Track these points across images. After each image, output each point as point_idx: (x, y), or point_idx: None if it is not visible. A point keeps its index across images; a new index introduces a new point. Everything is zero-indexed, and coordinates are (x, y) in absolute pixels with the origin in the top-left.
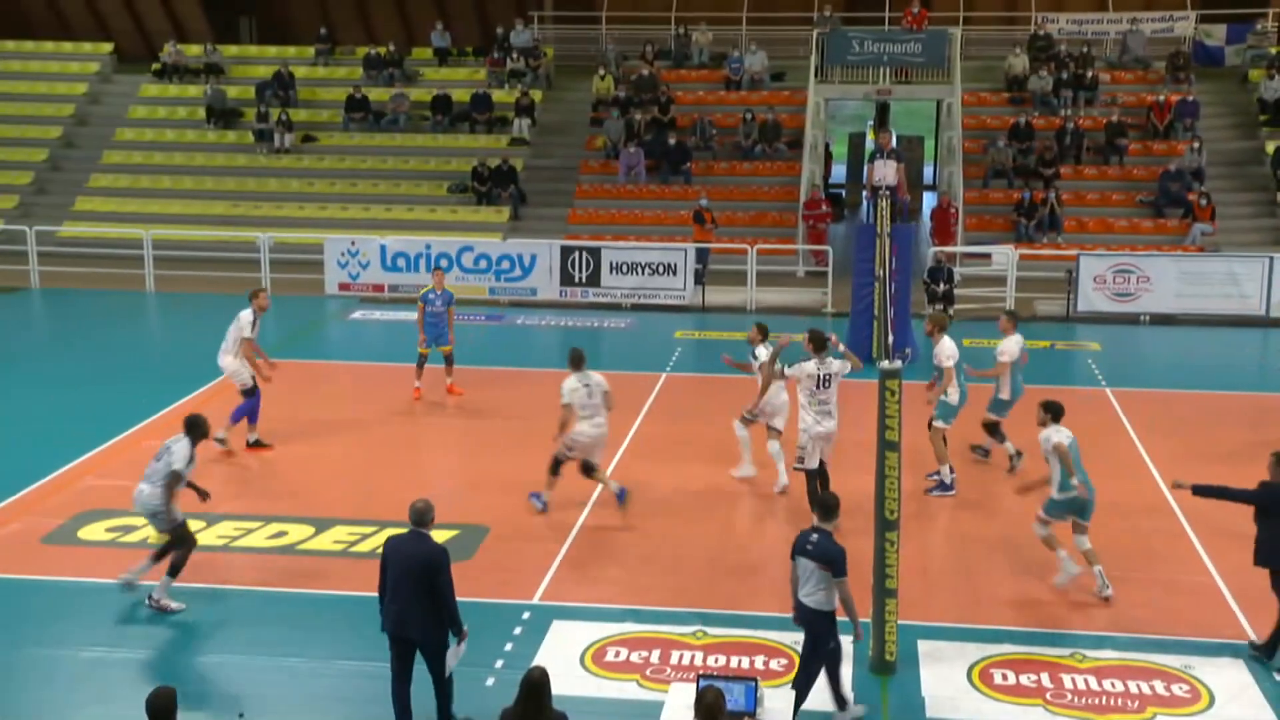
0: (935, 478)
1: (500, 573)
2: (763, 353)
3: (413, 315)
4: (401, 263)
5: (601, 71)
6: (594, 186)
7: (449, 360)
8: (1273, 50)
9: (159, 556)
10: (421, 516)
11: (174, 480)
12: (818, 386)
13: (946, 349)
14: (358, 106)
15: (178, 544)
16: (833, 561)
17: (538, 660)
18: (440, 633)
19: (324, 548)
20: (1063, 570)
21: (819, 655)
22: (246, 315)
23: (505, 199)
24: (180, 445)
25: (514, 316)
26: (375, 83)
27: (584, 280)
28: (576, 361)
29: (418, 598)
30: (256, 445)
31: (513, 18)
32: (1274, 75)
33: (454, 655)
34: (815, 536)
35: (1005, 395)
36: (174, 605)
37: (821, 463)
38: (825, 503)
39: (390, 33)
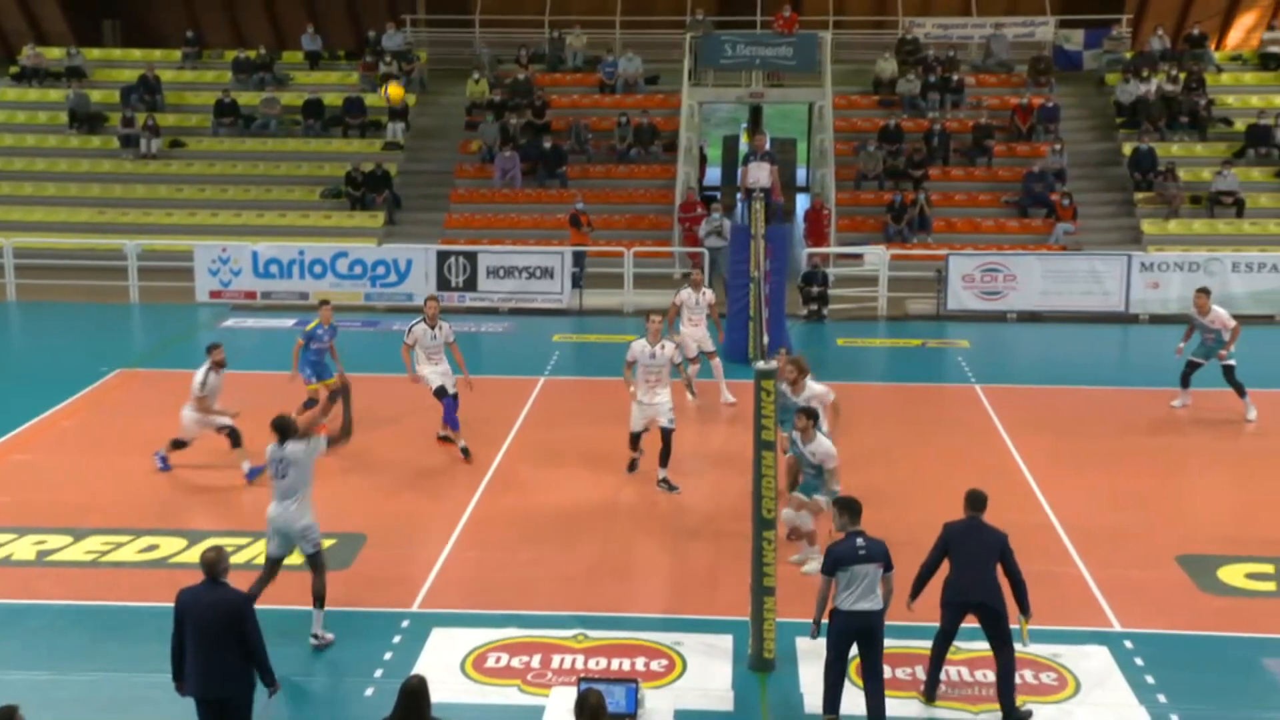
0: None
1: (378, 581)
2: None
3: (287, 322)
4: (274, 269)
5: (476, 75)
6: (470, 191)
7: (334, 397)
8: (1128, 54)
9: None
10: (213, 567)
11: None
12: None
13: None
14: (227, 111)
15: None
16: (886, 556)
17: (417, 668)
18: (248, 688)
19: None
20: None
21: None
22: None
23: (380, 204)
24: (296, 447)
25: (390, 322)
26: (245, 87)
27: (461, 285)
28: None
29: (219, 652)
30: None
31: (385, 21)
32: (1129, 79)
33: (265, 709)
34: (861, 541)
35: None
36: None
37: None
38: (851, 507)
39: (260, 36)
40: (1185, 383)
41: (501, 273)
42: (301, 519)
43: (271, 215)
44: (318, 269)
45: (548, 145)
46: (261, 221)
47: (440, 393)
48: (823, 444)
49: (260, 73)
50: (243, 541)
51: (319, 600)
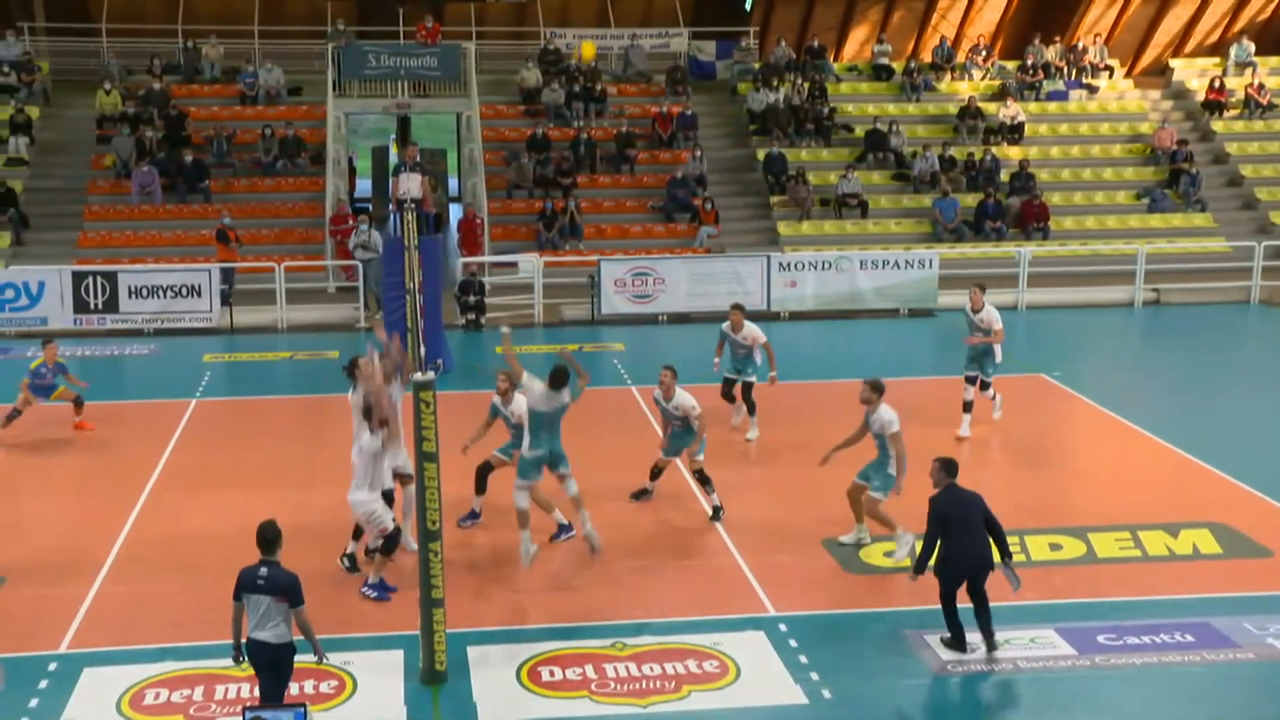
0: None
1: (19, 624)
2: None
3: None
4: None
5: (106, 86)
6: (105, 208)
7: (78, 402)
8: (756, 65)
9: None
10: None
11: None
12: None
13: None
14: None
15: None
16: (290, 590)
17: (69, 712)
18: None
19: None
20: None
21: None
22: None
23: (4, 223)
24: None
25: (23, 349)
26: None
27: (100, 306)
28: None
29: None
30: None
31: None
32: (759, 88)
33: None
34: (265, 570)
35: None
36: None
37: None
38: (263, 534)
39: None
40: (731, 398)
41: (145, 292)
42: None
43: None
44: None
45: (188, 159)
46: None
47: None
48: (684, 398)
49: None
50: None
51: None
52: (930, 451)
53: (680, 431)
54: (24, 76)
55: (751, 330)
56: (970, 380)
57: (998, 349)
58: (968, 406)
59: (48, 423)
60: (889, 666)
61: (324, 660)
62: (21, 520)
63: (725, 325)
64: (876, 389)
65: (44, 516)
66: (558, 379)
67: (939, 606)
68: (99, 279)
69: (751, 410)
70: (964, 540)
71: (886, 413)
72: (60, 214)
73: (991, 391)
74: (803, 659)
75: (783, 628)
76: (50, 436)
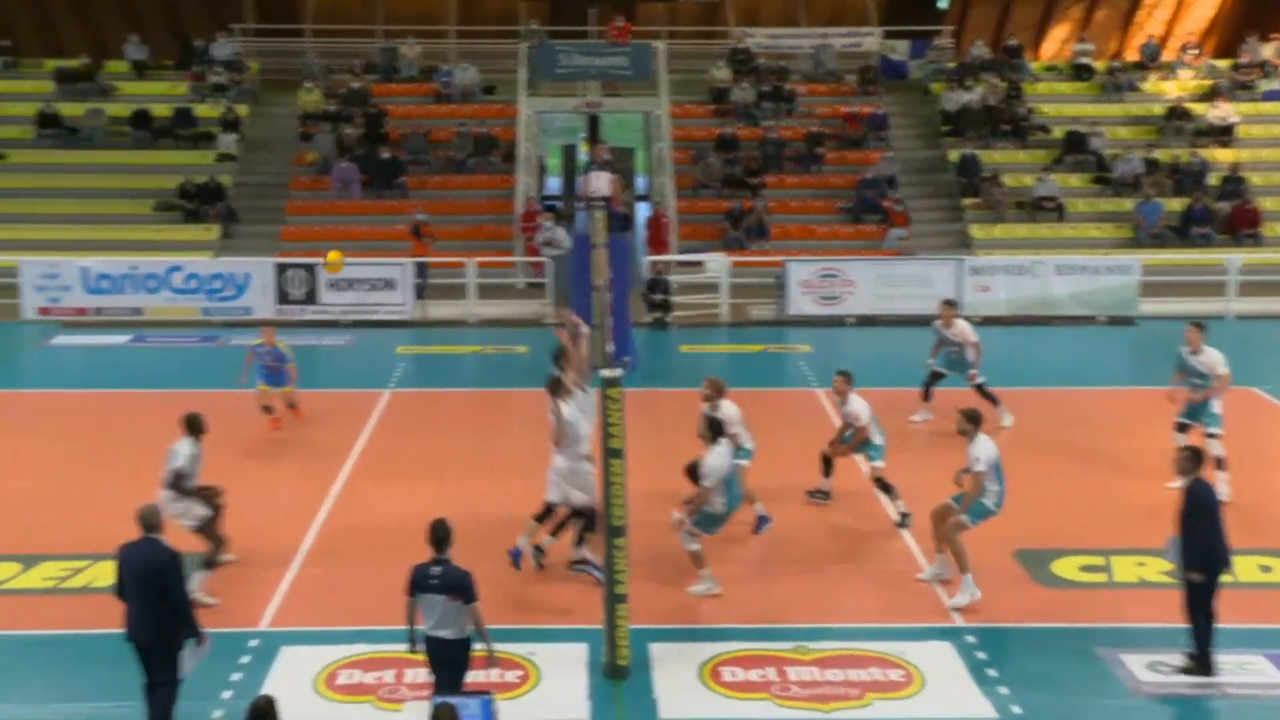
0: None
1: (224, 601)
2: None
3: (121, 339)
4: (106, 284)
5: (309, 85)
6: (306, 202)
7: (292, 403)
8: (950, 64)
9: (209, 564)
10: (149, 520)
11: (176, 479)
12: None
13: (858, 406)
14: (50, 122)
15: (212, 538)
16: (462, 589)
17: (267, 688)
18: (170, 638)
19: (33, 585)
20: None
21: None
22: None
23: (213, 216)
24: (182, 445)
25: (228, 337)
26: (68, 97)
27: (301, 298)
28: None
29: (149, 603)
30: None
31: (211, 30)
32: (953, 88)
33: (192, 656)
34: (437, 568)
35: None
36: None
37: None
38: (436, 532)
39: (80, 44)
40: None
41: (342, 285)
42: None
43: (101, 229)
44: (151, 284)
45: (385, 155)
46: (91, 236)
47: None
48: (856, 404)
49: (83, 82)
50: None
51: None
52: (1124, 466)
53: (849, 435)
54: (234, 76)
55: (962, 328)
56: (1181, 429)
57: (1217, 400)
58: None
59: (253, 409)
60: (1082, 684)
61: (494, 655)
62: (238, 500)
63: (937, 322)
64: (972, 419)
65: (246, 499)
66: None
67: (1134, 624)
68: (301, 271)
69: (995, 400)
70: (1219, 533)
71: (979, 448)
72: (265, 208)
73: (1218, 447)
74: (991, 672)
75: (970, 638)
76: (251, 422)
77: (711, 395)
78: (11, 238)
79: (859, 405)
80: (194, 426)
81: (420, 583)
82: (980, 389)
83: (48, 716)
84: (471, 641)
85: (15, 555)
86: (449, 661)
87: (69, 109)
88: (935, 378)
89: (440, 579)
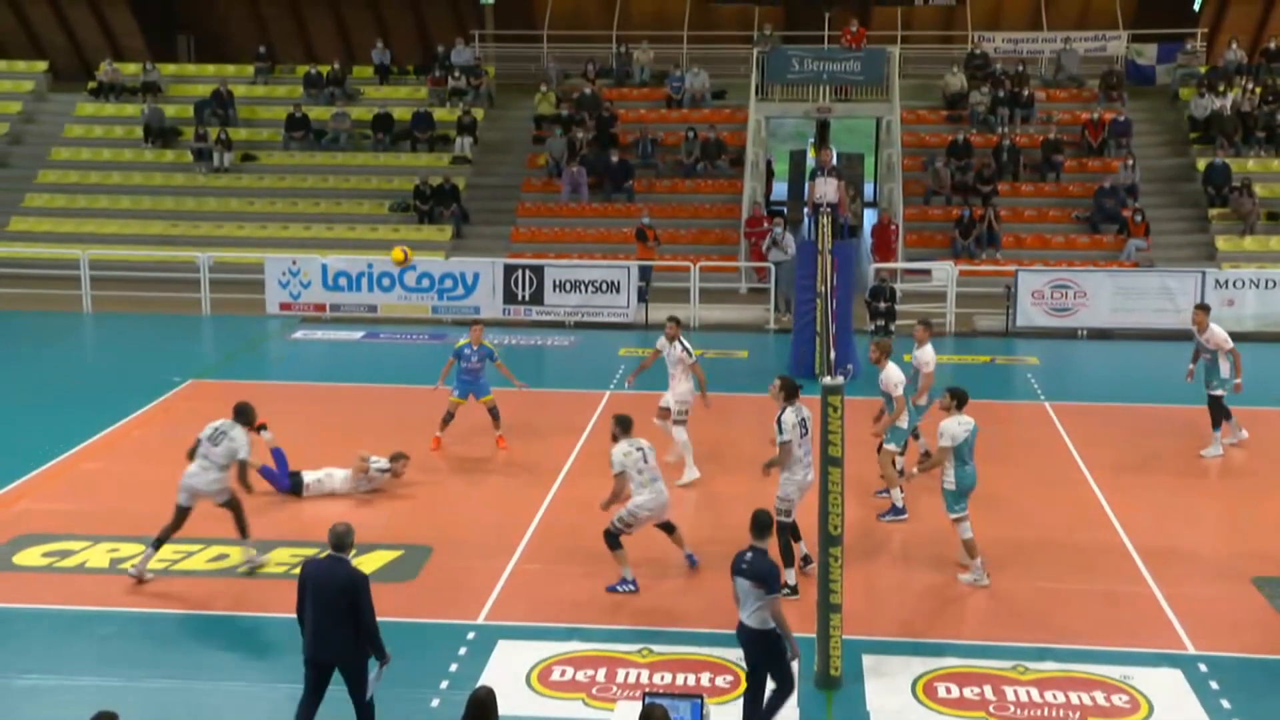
0: (884, 496)
1: (444, 593)
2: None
3: (355, 335)
4: (343, 282)
5: (543, 89)
6: (536, 205)
7: (494, 414)
8: (1202, 69)
9: (159, 543)
10: (340, 540)
11: (242, 469)
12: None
13: (894, 376)
14: (298, 125)
15: (235, 510)
16: (765, 579)
17: (483, 680)
18: (360, 656)
19: (266, 570)
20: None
21: (757, 675)
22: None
23: (447, 217)
24: (239, 432)
25: (457, 336)
26: (316, 101)
27: (527, 299)
28: (625, 426)
29: (337, 622)
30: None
31: (454, 36)
32: (1204, 94)
33: (375, 680)
34: (750, 555)
35: (923, 401)
36: (261, 559)
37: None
38: (759, 519)
39: (330, 51)
40: (1218, 421)
41: (568, 286)
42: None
43: (340, 228)
44: (386, 282)
45: (615, 159)
46: (330, 234)
47: None
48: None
49: (330, 87)
50: (310, 551)
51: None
52: None
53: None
54: (472, 80)
55: (1216, 334)
56: None
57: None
58: None
59: (476, 407)
60: None
61: (795, 653)
62: (448, 496)
63: (1193, 327)
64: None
65: (468, 494)
66: None
67: None
68: (527, 272)
69: (1216, 424)
70: None
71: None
72: (497, 210)
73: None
74: (1225, 704)
75: (1203, 668)
76: (475, 420)
77: (880, 357)
78: (258, 235)
79: (928, 354)
80: (245, 417)
81: (735, 565)
82: (1215, 402)
83: (151, 691)
84: (772, 637)
85: (251, 541)
86: (749, 649)
87: (316, 112)
88: (1217, 407)
89: (750, 565)
